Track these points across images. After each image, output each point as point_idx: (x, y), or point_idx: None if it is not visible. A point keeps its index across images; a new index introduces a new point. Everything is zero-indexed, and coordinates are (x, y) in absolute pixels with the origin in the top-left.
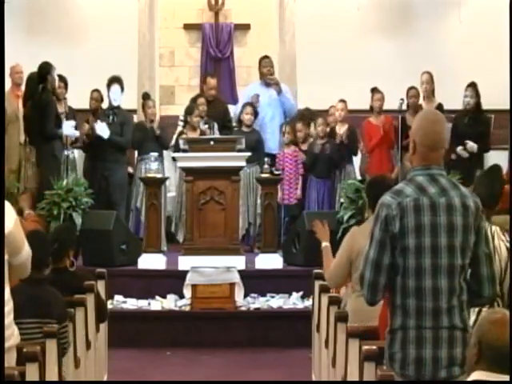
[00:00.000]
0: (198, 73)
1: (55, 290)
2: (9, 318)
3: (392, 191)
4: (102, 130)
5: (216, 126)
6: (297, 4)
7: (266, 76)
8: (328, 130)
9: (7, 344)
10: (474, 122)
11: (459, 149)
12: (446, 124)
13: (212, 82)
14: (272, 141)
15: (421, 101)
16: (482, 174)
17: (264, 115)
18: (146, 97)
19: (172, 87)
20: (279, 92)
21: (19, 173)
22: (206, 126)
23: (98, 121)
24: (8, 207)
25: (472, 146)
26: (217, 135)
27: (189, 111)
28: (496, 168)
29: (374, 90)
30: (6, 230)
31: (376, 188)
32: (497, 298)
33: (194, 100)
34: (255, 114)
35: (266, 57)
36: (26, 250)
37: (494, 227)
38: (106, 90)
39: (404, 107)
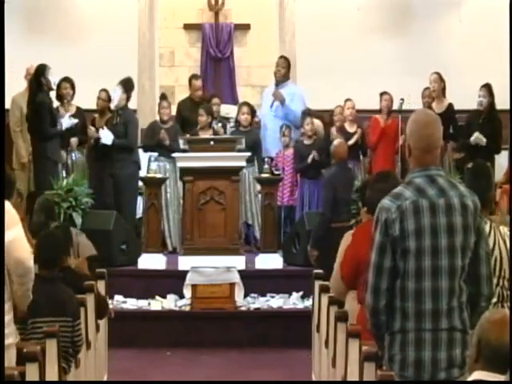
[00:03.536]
0: (197, 73)
1: (68, 288)
2: (8, 316)
3: (391, 195)
4: (106, 137)
5: (229, 125)
6: (297, 4)
7: (276, 76)
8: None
9: (7, 341)
10: (487, 122)
11: (472, 138)
12: (440, 124)
13: (197, 83)
14: (272, 145)
15: None
16: (468, 173)
17: (266, 121)
18: (162, 97)
19: (172, 87)
20: (282, 104)
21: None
22: (220, 124)
23: (103, 129)
24: (9, 206)
25: (479, 137)
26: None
27: (208, 111)
28: (482, 168)
29: (383, 93)
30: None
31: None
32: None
33: (182, 103)
34: (252, 113)
35: (280, 57)
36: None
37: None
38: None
39: (404, 107)
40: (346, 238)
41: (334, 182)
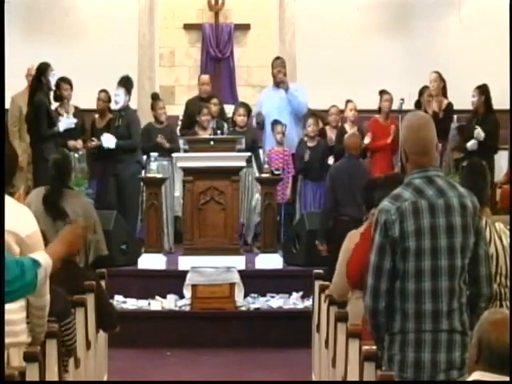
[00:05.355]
0: (197, 73)
1: (55, 286)
2: (21, 315)
3: (390, 196)
4: (108, 141)
5: (226, 126)
6: (297, 4)
7: (277, 77)
8: (317, 130)
9: (17, 339)
10: (481, 122)
11: (470, 144)
12: (433, 124)
13: (204, 78)
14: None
15: None
16: (464, 172)
17: (272, 118)
18: (155, 97)
19: (172, 87)
20: (286, 90)
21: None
22: (216, 125)
23: (104, 134)
24: (29, 213)
25: (479, 132)
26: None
27: (198, 111)
28: (477, 166)
29: (383, 92)
30: (30, 231)
31: (369, 191)
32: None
33: (191, 101)
34: (249, 114)
35: (277, 58)
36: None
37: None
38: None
39: (404, 107)
40: (349, 238)
41: (335, 173)
